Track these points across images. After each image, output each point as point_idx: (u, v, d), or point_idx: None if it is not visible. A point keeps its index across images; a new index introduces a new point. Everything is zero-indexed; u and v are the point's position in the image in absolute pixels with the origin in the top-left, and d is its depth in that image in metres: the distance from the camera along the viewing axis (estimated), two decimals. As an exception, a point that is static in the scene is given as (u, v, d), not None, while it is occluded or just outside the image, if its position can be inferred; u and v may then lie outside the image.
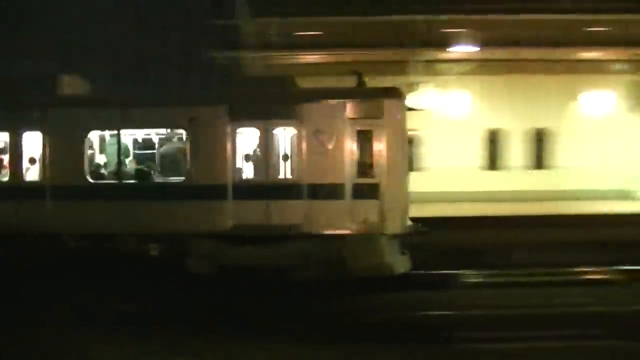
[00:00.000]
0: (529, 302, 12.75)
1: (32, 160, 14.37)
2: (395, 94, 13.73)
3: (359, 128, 13.25)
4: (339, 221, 13.10)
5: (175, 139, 14.93)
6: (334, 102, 13.45)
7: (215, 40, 25.84)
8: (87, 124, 14.19)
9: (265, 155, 13.63)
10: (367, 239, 13.19)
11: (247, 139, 14.13)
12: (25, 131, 14.33)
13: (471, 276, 14.82)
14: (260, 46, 24.46)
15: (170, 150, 14.98)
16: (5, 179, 14.56)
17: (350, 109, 13.29)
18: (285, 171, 13.88)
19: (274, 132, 13.81)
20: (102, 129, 14.61)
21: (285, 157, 13.84)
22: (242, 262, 13.41)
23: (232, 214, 13.39)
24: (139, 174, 14.53)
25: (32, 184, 14.31)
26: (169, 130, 14.79)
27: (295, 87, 14.64)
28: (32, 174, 14.48)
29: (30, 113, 14.23)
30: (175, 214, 13.57)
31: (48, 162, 14.08)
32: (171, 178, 14.46)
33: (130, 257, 13.83)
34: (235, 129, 13.67)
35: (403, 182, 13.64)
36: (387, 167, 13.15)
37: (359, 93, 13.95)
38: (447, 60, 25.07)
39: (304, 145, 13.33)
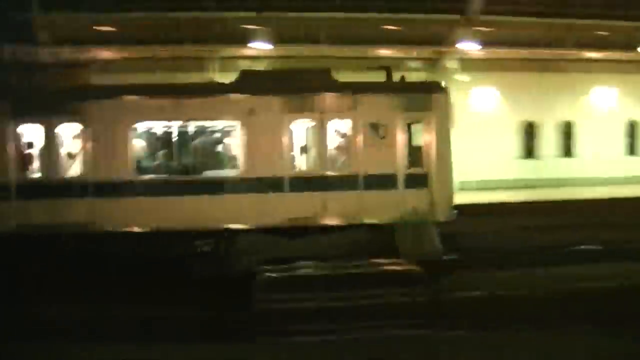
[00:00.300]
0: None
1: (70, 155, 13.57)
2: (442, 88, 14.24)
3: (409, 121, 13.68)
4: (392, 210, 13.34)
5: (222, 131, 14.28)
6: (388, 95, 13.67)
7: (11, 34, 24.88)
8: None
9: (319, 147, 13.57)
10: (418, 226, 13.52)
11: (299, 132, 13.96)
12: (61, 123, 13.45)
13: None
14: (54, 41, 23.71)
15: (217, 142, 14.41)
16: (38, 175, 13.52)
17: (402, 102, 13.55)
18: (340, 163, 13.84)
19: (330, 123, 13.65)
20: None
21: (341, 149, 13.83)
22: (293, 254, 13.23)
23: (290, 207, 13.30)
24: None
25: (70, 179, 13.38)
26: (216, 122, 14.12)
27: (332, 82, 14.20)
28: (70, 169, 13.60)
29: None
30: (229, 208, 13.29)
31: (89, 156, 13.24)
32: (224, 171, 13.95)
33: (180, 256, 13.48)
34: (292, 121, 13.54)
35: (449, 171, 13.85)
36: (435, 157, 13.53)
37: (410, 88, 14.43)
38: (247, 57, 25.05)
39: (359, 138, 13.41)
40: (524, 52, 26.61)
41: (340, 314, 11.11)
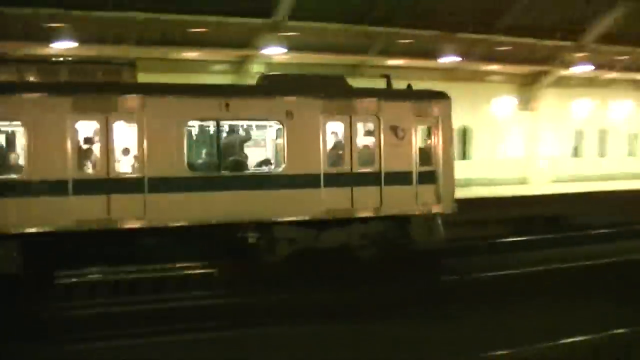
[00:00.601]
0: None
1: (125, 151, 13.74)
2: (446, 96, 16.08)
3: (422, 125, 15.68)
4: (408, 204, 15.20)
5: (263, 131, 15.48)
6: (406, 102, 15.57)
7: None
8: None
9: (349, 147, 14.94)
10: (428, 218, 15.64)
11: (332, 132, 15.16)
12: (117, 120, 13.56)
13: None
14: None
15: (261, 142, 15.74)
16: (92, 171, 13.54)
17: (416, 108, 15.46)
18: (364, 161, 15.18)
19: (358, 125, 15.14)
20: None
21: (366, 149, 15.24)
22: (324, 244, 14.87)
23: (324, 201, 14.61)
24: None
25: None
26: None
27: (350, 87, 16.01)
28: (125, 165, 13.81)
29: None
30: (276, 202, 14.33)
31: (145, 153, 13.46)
32: (265, 168, 15.05)
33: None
34: (326, 123, 14.78)
35: (452, 169, 15.92)
36: (441, 157, 15.56)
37: (422, 95, 16.16)
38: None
39: (382, 139, 15.00)
40: (330, 57, 27.49)
41: (131, 318, 11.65)
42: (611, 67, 28.20)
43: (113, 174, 13.32)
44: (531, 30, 25.46)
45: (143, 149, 13.39)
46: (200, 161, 14.87)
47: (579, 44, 25.50)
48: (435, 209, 15.68)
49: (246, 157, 14.98)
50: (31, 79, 13.64)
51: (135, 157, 13.66)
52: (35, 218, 12.72)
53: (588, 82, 28.86)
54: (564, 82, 28.93)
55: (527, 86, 30.60)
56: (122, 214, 13.27)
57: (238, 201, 14.10)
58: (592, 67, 25.87)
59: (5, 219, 12.54)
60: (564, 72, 28.00)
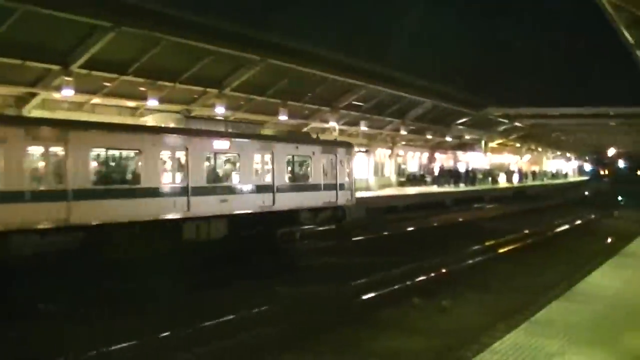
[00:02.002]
0: None
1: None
2: (350, 145, 28.07)
3: (340, 159, 26.06)
4: (340, 200, 26.19)
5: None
6: (335, 147, 26.58)
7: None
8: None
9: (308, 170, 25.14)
10: (350, 207, 27.02)
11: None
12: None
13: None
14: None
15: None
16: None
17: (339, 151, 26.28)
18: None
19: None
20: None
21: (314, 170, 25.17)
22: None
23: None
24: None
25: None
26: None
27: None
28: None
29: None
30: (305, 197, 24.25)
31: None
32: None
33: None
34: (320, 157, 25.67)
35: (353, 182, 27.43)
36: (349, 176, 26.74)
37: (340, 144, 27.85)
38: None
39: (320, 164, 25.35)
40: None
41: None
42: (95, 92, 28.56)
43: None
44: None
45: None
46: (287, 175, 23.73)
47: (66, 68, 25.00)
48: (349, 203, 26.55)
49: (298, 174, 25.13)
50: None
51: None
52: None
53: (77, 106, 28.51)
54: (52, 105, 27.89)
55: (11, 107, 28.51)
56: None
57: (298, 197, 24.28)
58: (74, 92, 25.65)
59: None
60: (54, 95, 26.99)
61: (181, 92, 31.27)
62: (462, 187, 57.10)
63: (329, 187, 25.03)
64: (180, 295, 14.94)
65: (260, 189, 21.86)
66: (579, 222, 37.54)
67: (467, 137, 64.18)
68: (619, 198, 62.22)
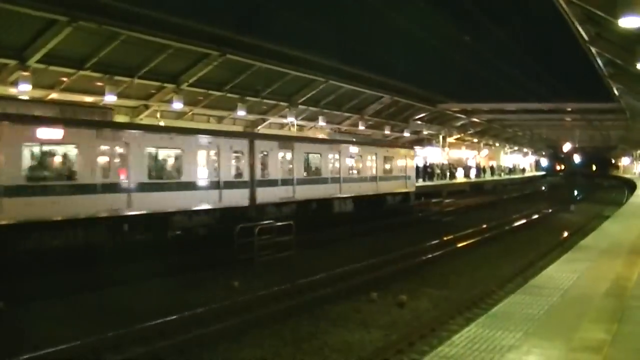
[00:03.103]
0: None
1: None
2: (412, 147, 43.86)
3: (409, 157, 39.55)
4: None
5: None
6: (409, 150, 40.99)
7: None
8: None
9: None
10: None
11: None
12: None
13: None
14: None
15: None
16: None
17: (410, 152, 40.21)
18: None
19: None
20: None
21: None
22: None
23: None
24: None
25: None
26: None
27: None
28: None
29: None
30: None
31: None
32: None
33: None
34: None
35: (414, 177, 41.06)
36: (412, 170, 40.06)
37: (411, 147, 42.76)
38: None
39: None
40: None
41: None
42: (52, 87, 28.05)
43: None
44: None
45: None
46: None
47: (22, 63, 24.54)
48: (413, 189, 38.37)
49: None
50: None
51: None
52: None
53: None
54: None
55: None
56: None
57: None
58: (31, 87, 25.16)
59: None
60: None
61: (139, 88, 30.96)
62: (420, 182, 57.63)
63: (404, 178, 37.54)
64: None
65: (375, 178, 34.39)
66: (536, 216, 38.16)
67: (425, 132, 64.73)
68: (575, 192, 63.41)
